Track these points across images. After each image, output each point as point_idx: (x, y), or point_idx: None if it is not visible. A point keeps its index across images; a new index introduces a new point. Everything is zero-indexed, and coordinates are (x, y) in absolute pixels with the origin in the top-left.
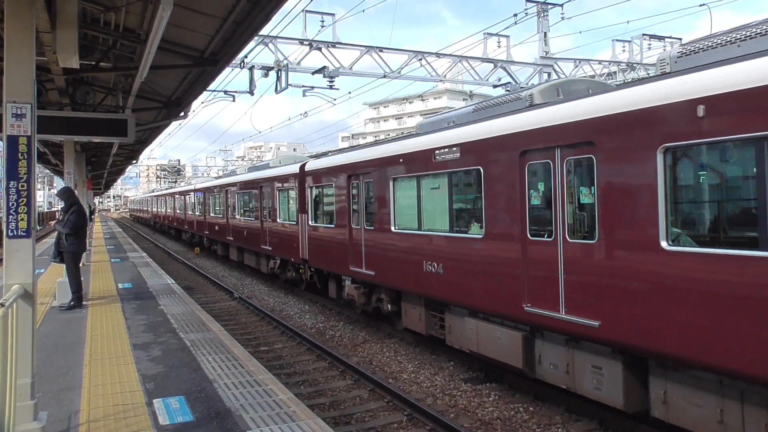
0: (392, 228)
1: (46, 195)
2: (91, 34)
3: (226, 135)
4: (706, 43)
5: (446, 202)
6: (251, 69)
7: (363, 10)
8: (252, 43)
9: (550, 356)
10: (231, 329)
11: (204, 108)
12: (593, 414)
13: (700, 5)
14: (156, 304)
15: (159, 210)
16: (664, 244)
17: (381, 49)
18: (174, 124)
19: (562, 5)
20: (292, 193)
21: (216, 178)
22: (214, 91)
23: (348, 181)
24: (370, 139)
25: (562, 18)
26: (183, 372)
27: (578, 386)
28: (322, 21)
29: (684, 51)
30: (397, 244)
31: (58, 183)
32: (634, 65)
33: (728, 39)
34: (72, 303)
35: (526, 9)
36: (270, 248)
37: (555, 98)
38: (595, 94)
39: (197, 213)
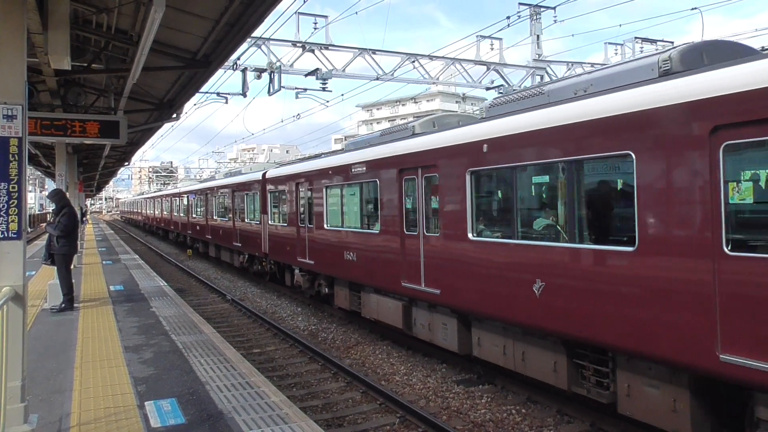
0: (325, 226)
1: (37, 197)
2: (83, 35)
3: (219, 137)
4: (505, 99)
5: (358, 205)
6: (244, 71)
7: (356, 12)
8: (245, 45)
9: (420, 319)
10: (223, 331)
11: (196, 110)
12: (585, 416)
13: (692, 9)
14: (148, 307)
15: (147, 212)
16: (470, 235)
17: (374, 51)
18: (166, 125)
19: (554, 8)
20: (257, 197)
21: (200, 182)
22: (207, 92)
23: (296, 187)
24: None
25: (555, 21)
26: (175, 374)
27: (435, 339)
28: (315, 23)
29: (494, 103)
30: (329, 238)
31: (50, 185)
32: None
33: (513, 98)
34: (63, 305)
35: (518, 12)
36: (240, 245)
37: (430, 129)
38: (453, 128)
39: (181, 214)
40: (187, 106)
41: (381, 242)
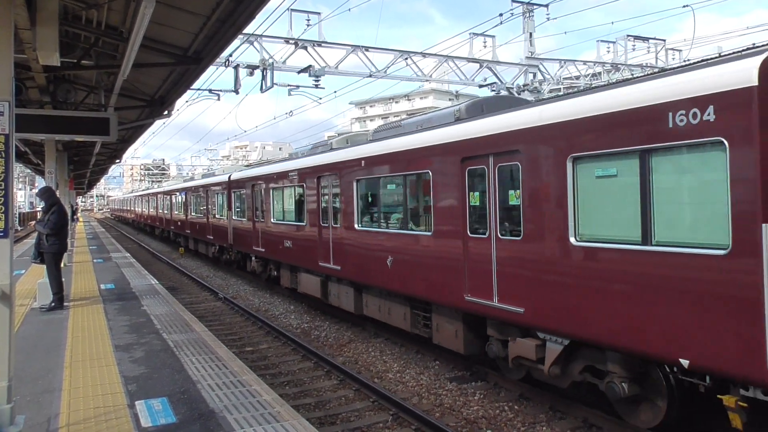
0: (271, 220)
1: (27, 195)
2: (73, 31)
3: (211, 134)
4: (383, 127)
5: (293, 202)
6: (236, 68)
7: (349, 9)
8: (237, 42)
9: (332, 290)
10: (215, 330)
11: (188, 107)
12: (577, 412)
13: (683, 6)
14: (139, 305)
15: (136, 209)
16: (356, 226)
17: (367, 48)
18: (158, 123)
19: (547, 5)
20: (224, 196)
21: (184, 181)
22: (199, 89)
23: (252, 188)
24: None
25: (548, 18)
26: (166, 373)
27: (341, 304)
28: (308, 20)
29: (376, 130)
30: (274, 230)
31: (40, 182)
32: (619, 66)
33: (387, 127)
34: (53, 304)
35: (511, 9)
36: (212, 237)
37: (343, 146)
38: (350, 147)
39: (165, 211)
40: (179, 102)
41: (307, 232)
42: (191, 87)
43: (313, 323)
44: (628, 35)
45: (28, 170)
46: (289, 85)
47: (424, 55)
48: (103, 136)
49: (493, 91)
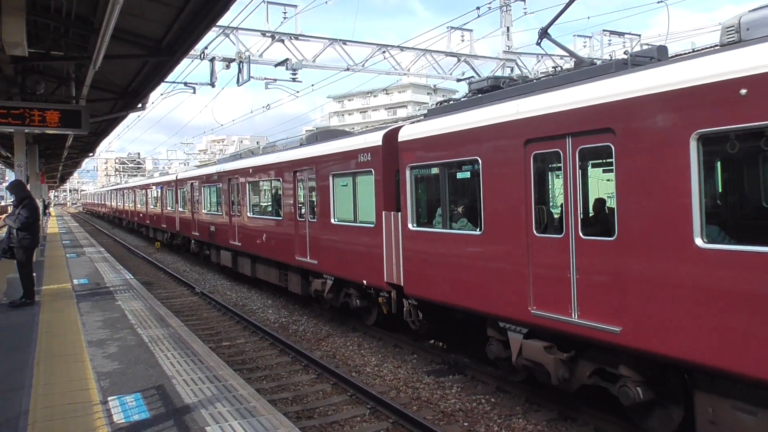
0: (203, 211)
1: None
2: (41, 21)
3: (187, 128)
4: (264, 146)
5: (215, 198)
6: (212, 60)
7: (326, 1)
8: (212, 34)
9: (239, 261)
10: (192, 325)
11: (163, 100)
12: (553, 404)
13: (658, 2)
14: (113, 300)
15: (105, 203)
16: (249, 214)
17: (344, 41)
18: (132, 116)
19: None
20: (173, 192)
21: (147, 179)
22: (174, 82)
23: (191, 186)
24: None
25: (525, 13)
26: (140, 369)
27: (245, 271)
28: (285, 12)
29: (267, 145)
30: (204, 219)
31: (10, 176)
32: (594, 61)
33: (266, 146)
34: (23, 299)
35: (489, 3)
36: (165, 226)
37: (248, 156)
38: (248, 158)
39: (130, 205)
40: (153, 95)
41: (221, 220)
42: (165, 80)
43: (291, 318)
44: (604, 30)
45: None
46: (266, 79)
47: (401, 48)
48: (75, 129)
49: (469, 83)
